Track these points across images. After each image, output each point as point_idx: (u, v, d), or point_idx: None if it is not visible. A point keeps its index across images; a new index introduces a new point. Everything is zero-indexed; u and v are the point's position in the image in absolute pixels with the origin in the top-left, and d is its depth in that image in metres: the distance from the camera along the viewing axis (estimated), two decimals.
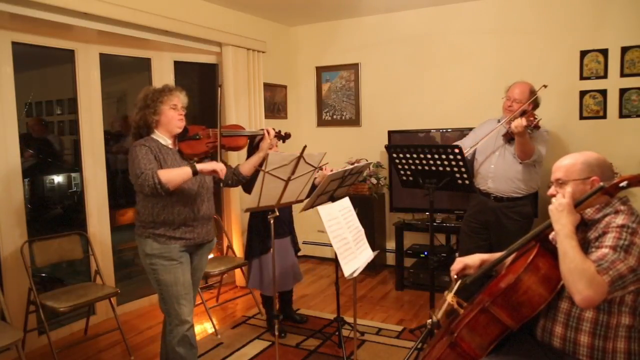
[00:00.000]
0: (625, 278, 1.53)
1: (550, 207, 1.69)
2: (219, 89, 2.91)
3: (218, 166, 2.38)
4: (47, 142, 3.85)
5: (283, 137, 3.02)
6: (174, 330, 2.46)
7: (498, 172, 3.23)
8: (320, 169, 3.09)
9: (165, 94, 2.42)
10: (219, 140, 2.57)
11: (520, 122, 2.90)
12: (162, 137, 2.44)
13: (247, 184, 3.08)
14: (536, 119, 2.99)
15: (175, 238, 2.41)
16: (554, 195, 1.76)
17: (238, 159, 3.95)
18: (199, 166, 2.34)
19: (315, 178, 2.91)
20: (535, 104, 3.24)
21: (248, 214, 3.54)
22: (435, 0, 4.44)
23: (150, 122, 2.41)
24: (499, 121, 3.30)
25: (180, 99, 2.47)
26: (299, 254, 3.63)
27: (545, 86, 3.19)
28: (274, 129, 2.90)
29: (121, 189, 4.10)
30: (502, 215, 3.24)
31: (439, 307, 2.05)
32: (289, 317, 3.62)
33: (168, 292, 2.43)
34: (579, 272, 1.52)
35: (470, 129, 3.63)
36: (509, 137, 3.17)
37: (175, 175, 2.29)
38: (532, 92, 3.20)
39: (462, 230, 3.50)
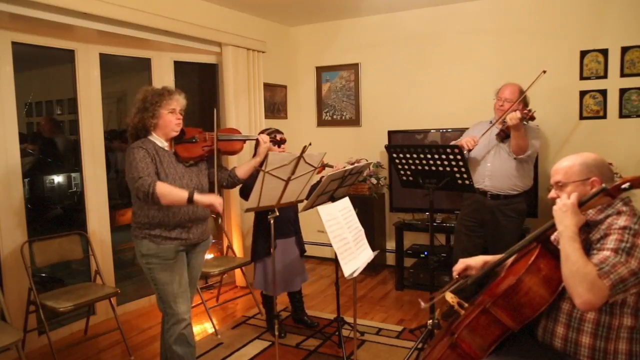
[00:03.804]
0: (626, 281, 1.53)
1: (555, 207, 1.69)
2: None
3: (216, 200, 2.32)
4: (55, 142, 3.84)
5: (278, 142, 3.02)
6: (170, 329, 2.47)
7: (495, 170, 3.32)
8: (331, 166, 3.16)
9: (164, 98, 2.41)
10: (215, 145, 2.57)
11: (515, 115, 3.04)
12: (159, 140, 2.45)
13: (244, 189, 3.09)
14: (531, 111, 3.12)
15: (171, 238, 2.42)
16: (554, 199, 1.75)
17: (238, 161, 3.95)
18: (197, 197, 2.28)
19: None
20: (525, 103, 3.35)
21: (250, 214, 3.54)
22: (435, 0, 4.44)
23: (148, 125, 2.41)
24: (490, 122, 3.41)
25: (179, 102, 2.47)
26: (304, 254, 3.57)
27: (544, 72, 3.28)
28: (268, 134, 2.93)
29: (121, 189, 4.09)
30: (498, 212, 3.31)
31: (437, 304, 2.05)
32: (300, 321, 3.61)
33: (164, 291, 2.44)
34: (581, 276, 1.51)
35: None
36: (503, 136, 3.28)
37: (172, 195, 2.28)
38: (522, 92, 3.30)
39: (458, 229, 3.54)
